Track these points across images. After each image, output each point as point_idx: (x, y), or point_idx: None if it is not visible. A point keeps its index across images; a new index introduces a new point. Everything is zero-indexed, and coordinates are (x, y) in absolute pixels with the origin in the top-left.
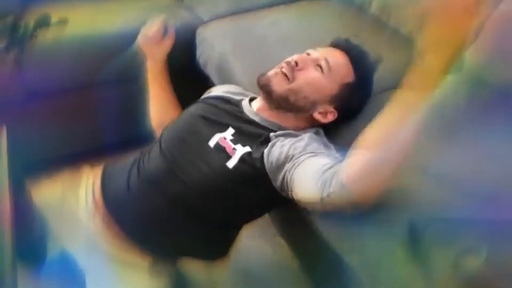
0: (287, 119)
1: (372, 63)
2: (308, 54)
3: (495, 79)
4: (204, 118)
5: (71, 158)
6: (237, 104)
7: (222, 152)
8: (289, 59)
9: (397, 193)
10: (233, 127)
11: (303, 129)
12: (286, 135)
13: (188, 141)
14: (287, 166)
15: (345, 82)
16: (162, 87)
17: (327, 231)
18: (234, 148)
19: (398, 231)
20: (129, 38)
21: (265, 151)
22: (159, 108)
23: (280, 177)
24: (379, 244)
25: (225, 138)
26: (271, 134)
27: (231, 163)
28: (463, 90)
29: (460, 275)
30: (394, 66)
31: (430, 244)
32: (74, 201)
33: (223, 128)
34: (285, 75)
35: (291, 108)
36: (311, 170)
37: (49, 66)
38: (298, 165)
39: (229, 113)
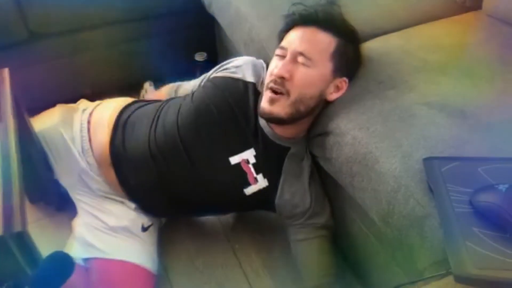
0: (304, 123)
1: (336, 13)
2: (283, 56)
3: None
4: (222, 126)
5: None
6: (252, 111)
7: (242, 176)
8: (272, 77)
9: None
10: (255, 148)
11: (305, 129)
12: (292, 176)
13: (204, 138)
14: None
15: (332, 51)
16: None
17: None
18: (256, 178)
19: None
20: None
21: (277, 197)
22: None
23: (286, 215)
24: None
25: (247, 162)
26: (282, 179)
27: (249, 191)
28: None
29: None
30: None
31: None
32: (69, 135)
33: (245, 147)
34: (280, 93)
35: (307, 114)
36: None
37: None
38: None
39: (248, 126)
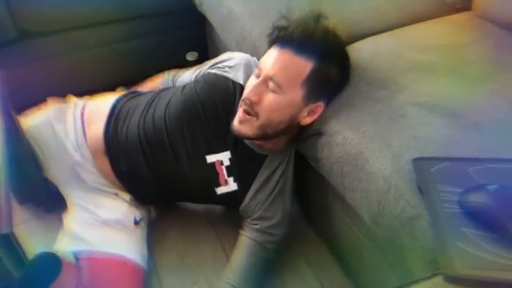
0: (275, 143)
1: (319, 30)
2: (258, 76)
3: None
4: (204, 124)
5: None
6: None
7: (215, 176)
8: (244, 96)
9: None
10: (231, 152)
11: (288, 143)
12: (263, 185)
13: (186, 133)
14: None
15: (305, 77)
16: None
17: None
18: (226, 180)
19: None
20: None
21: (244, 202)
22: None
23: (248, 216)
24: None
25: (221, 164)
26: (252, 187)
27: (219, 190)
28: None
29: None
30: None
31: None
32: (62, 130)
33: (222, 148)
34: (249, 114)
35: (276, 135)
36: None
37: None
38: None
39: (228, 128)
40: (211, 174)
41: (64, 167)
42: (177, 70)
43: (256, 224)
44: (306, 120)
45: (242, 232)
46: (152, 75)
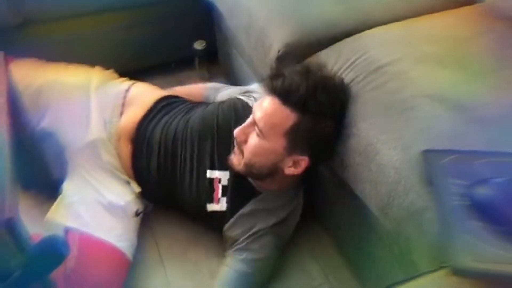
0: (268, 183)
1: (302, 88)
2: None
3: None
4: (215, 141)
5: None
6: None
7: (209, 192)
8: (234, 132)
9: None
10: (231, 174)
11: (288, 186)
12: (247, 218)
13: (196, 144)
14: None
15: (287, 128)
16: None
17: None
18: (219, 199)
19: None
20: None
21: (226, 226)
22: None
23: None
24: None
25: (219, 182)
26: (240, 212)
27: (210, 208)
28: None
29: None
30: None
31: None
32: (98, 102)
33: (223, 167)
34: (240, 151)
35: (260, 177)
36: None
37: None
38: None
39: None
40: (208, 189)
41: (83, 137)
42: (222, 85)
43: (241, 255)
44: (291, 170)
45: (225, 262)
46: (158, 64)
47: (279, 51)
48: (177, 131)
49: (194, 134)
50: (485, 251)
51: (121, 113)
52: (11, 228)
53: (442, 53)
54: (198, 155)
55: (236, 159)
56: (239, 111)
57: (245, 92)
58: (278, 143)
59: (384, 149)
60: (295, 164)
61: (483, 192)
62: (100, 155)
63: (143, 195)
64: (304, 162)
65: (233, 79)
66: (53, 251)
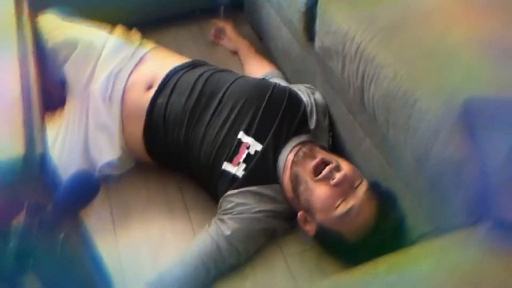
0: (293, 199)
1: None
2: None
3: None
4: (262, 111)
5: None
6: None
7: (233, 152)
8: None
9: None
10: (262, 150)
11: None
12: (253, 195)
13: (243, 103)
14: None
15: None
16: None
17: None
18: (239, 163)
19: None
20: None
21: (233, 191)
22: None
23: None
24: None
25: (247, 148)
26: (249, 188)
27: (225, 166)
28: None
29: None
30: None
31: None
32: (111, 61)
33: (258, 137)
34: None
35: (290, 199)
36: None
37: None
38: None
39: (276, 131)
40: (232, 148)
41: (85, 92)
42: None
43: (227, 229)
44: (300, 215)
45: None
46: (183, 11)
47: None
48: (220, 82)
49: (241, 94)
50: None
51: (131, 73)
52: (43, 162)
53: None
54: (238, 114)
55: (297, 165)
56: (293, 98)
57: (302, 89)
58: (330, 221)
59: (426, 96)
60: (306, 221)
61: None
62: (97, 109)
63: (149, 132)
64: (310, 226)
65: (259, 28)
66: (86, 185)
